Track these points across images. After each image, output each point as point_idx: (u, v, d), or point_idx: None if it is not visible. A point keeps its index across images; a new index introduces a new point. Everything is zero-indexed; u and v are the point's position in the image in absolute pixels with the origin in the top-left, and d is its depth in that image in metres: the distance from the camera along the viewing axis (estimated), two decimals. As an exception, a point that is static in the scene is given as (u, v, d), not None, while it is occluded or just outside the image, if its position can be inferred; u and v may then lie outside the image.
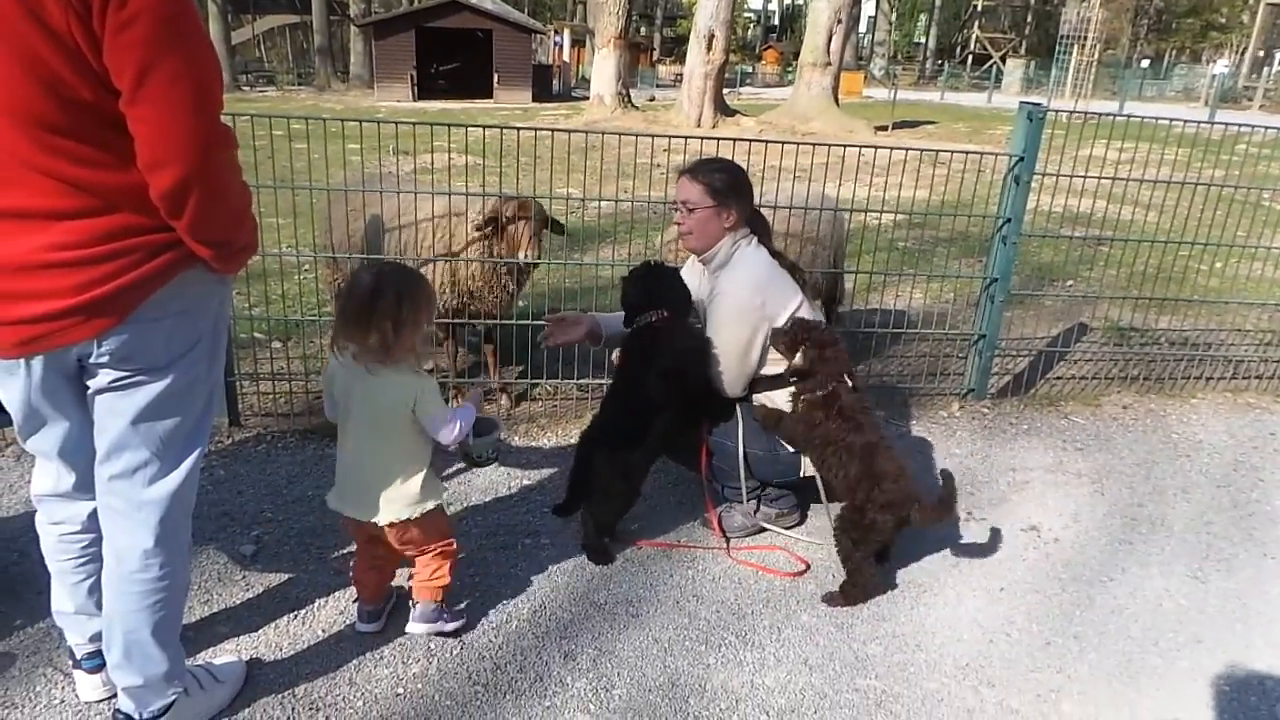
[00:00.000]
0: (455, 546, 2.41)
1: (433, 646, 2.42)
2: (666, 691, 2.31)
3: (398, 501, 2.24)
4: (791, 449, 2.89)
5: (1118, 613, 2.75)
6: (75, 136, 1.51)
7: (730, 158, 3.08)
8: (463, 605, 2.56)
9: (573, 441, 3.63)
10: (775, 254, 3.00)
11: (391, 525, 2.25)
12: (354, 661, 2.34)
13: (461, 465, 3.31)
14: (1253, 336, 5.42)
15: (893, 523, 2.60)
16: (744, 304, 2.82)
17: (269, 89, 32.22)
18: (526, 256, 3.55)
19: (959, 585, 2.84)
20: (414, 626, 2.43)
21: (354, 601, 2.50)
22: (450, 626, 2.45)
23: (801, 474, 2.93)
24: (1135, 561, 3.04)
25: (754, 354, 2.86)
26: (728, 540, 2.97)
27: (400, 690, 2.25)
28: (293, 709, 2.17)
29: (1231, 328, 5.54)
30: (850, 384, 2.72)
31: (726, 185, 2.85)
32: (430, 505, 2.28)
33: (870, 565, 2.71)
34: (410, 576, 2.46)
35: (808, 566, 2.86)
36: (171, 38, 1.47)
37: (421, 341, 2.24)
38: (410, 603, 2.44)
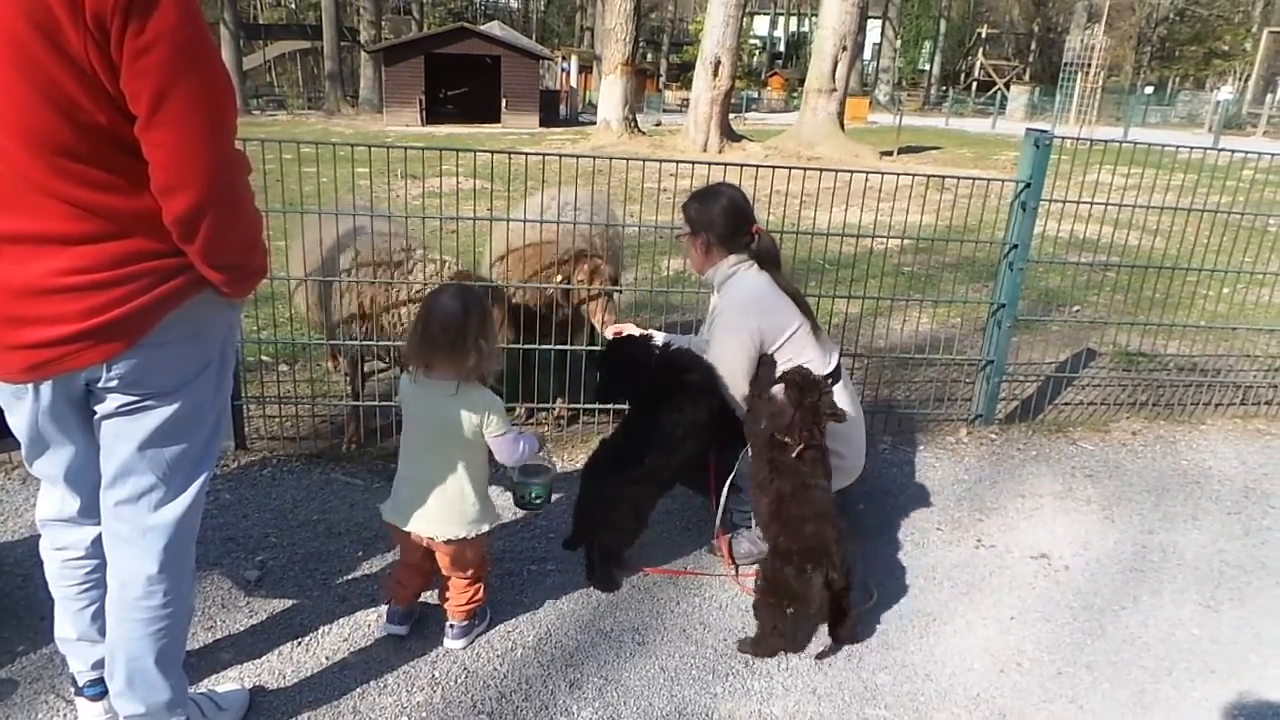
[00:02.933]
0: (482, 577, 2.50)
1: (437, 675, 2.40)
2: (673, 721, 2.28)
3: (457, 520, 2.32)
4: None
5: (1130, 642, 2.72)
6: (89, 161, 1.52)
7: (738, 183, 3.10)
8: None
9: (578, 466, 3.62)
10: (781, 281, 3.01)
11: (448, 543, 2.33)
12: (358, 690, 2.32)
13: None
14: (1261, 362, 5.39)
15: (795, 575, 2.43)
16: (737, 321, 2.90)
17: (279, 113, 32.52)
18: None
19: (969, 614, 2.81)
20: (453, 643, 2.51)
21: (387, 603, 2.56)
22: (483, 628, 2.57)
23: None
24: (1147, 590, 3.01)
25: (744, 364, 2.90)
26: (736, 567, 2.95)
27: (405, 719, 2.23)
28: (295, 737, 2.15)
29: (1240, 353, 5.51)
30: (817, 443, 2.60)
31: (697, 214, 2.99)
32: (486, 528, 2.38)
33: (778, 616, 2.49)
34: (440, 596, 2.53)
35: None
36: (188, 63, 1.49)
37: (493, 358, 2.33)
38: (448, 625, 2.51)
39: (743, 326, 2.89)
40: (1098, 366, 5.23)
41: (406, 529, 2.34)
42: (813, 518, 2.50)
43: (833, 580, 2.45)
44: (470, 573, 2.44)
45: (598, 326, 3.67)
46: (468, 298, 2.28)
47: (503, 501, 2.69)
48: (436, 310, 2.25)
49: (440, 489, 2.31)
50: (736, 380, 2.88)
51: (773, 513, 2.56)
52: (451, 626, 2.51)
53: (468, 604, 2.47)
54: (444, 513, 2.32)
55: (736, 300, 2.95)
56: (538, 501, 2.58)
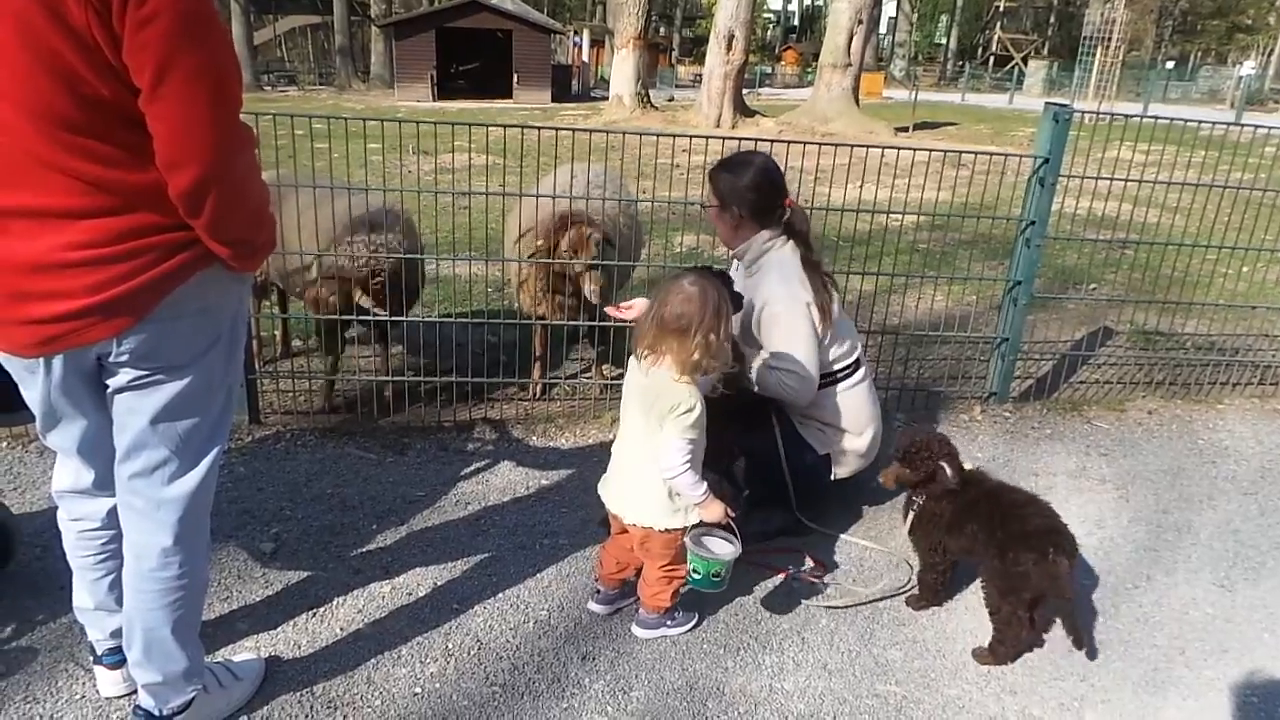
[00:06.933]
0: (682, 575, 2.39)
1: (450, 646, 2.41)
2: (684, 695, 2.29)
3: (643, 507, 2.32)
4: (819, 451, 2.93)
5: (1143, 621, 2.71)
6: (94, 135, 1.50)
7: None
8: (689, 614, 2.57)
9: (590, 442, 3.63)
10: (809, 259, 2.90)
11: (635, 526, 2.35)
12: (372, 660, 2.34)
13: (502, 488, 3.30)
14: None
15: (1035, 564, 2.35)
16: (795, 295, 2.77)
17: (290, 88, 32.46)
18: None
19: (980, 591, 2.80)
20: (636, 630, 2.51)
21: (595, 580, 2.64)
22: (676, 631, 2.52)
23: (832, 477, 2.94)
24: (1161, 569, 2.99)
25: (816, 345, 2.79)
26: (746, 542, 2.95)
27: (418, 690, 2.25)
28: (311, 707, 2.17)
29: (1258, 333, 5.46)
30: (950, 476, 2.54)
31: (726, 187, 2.83)
32: (668, 525, 2.31)
33: (1021, 619, 2.44)
34: (638, 577, 2.53)
35: (826, 570, 2.83)
36: (191, 35, 1.47)
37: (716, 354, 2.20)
38: (634, 605, 2.55)
39: (799, 296, 2.76)
40: (1114, 345, 5.18)
41: (608, 506, 2.42)
42: (1026, 502, 2.51)
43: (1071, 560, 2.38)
44: (660, 566, 2.38)
45: (588, 296, 3.55)
46: (707, 285, 2.18)
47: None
48: (675, 294, 2.17)
49: (639, 475, 2.31)
50: (803, 353, 2.75)
51: (971, 521, 2.51)
52: (637, 612, 2.52)
53: (653, 596, 2.44)
54: (640, 499, 2.32)
55: (782, 278, 2.79)
56: (696, 576, 2.32)
